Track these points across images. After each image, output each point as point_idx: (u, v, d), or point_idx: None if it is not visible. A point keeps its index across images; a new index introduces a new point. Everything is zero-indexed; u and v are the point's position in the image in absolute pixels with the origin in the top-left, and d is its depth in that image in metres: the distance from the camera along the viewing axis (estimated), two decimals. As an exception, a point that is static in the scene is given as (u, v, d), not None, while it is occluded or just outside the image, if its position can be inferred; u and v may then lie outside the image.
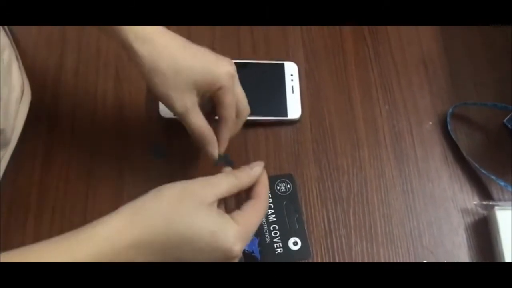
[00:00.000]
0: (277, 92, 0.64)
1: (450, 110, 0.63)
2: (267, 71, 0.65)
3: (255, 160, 0.60)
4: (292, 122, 0.63)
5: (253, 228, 0.45)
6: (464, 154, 0.61)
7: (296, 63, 0.66)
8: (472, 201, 0.60)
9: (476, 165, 0.60)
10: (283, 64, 0.66)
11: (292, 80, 0.65)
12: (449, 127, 0.63)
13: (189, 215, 0.41)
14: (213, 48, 0.58)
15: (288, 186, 0.60)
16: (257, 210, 0.46)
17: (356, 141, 0.63)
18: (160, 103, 0.62)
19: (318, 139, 0.63)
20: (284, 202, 0.59)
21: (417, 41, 0.69)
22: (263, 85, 0.65)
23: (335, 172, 0.61)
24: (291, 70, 0.66)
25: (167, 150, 0.61)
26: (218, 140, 0.52)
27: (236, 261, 0.43)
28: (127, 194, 0.59)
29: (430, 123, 0.64)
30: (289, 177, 0.61)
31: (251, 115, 0.60)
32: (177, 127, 0.59)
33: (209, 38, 0.67)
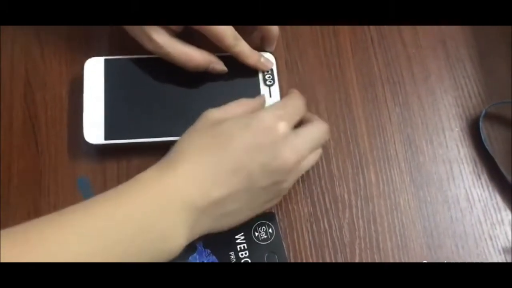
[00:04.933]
0: (247, 96, 0.46)
1: (484, 112, 0.47)
2: (235, 68, 0.47)
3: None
4: None
5: (290, 105, 0.41)
6: (504, 172, 0.45)
7: (273, 54, 0.48)
8: (516, 237, 0.45)
9: (522, 189, 0.45)
10: None
11: (269, 77, 0.47)
12: (482, 135, 0.47)
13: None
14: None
15: (270, 230, 0.44)
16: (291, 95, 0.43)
17: (358, 160, 0.47)
18: (84, 124, 0.44)
19: (307, 158, 0.47)
20: (266, 254, 0.44)
21: (432, 13, 0.52)
22: (231, 89, 0.47)
23: (332, 206, 0.45)
24: None
25: (94, 187, 0.44)
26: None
27: (284, 128, 0.39)
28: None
29: (457, 129, 0.48)
30: (271, 217, 0.45)
31: None
32: (110, 156, 0.45)
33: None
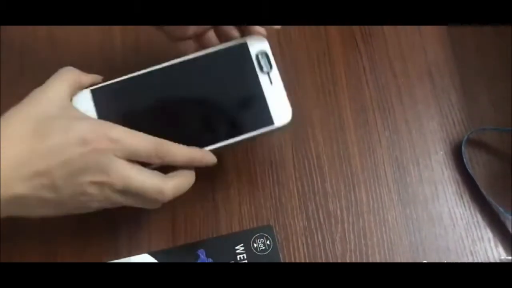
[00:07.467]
0: (246, 89, 0.43)
1: (466, 137, 0.51)
2: (225, 60, 0.44)
3: (226, 217, 0.48)
4: (282, 129, 0.43)
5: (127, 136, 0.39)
6: (484, 193, 0.49)
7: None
8: (495, 252, 0.48)
9: (500, 208, 0.48)
10: (245, 44, 0.44)
11: (265, 63, 0.43)
12: (464, 159, 0.50)
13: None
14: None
15: (268, 242, 0.48)
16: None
17: (351, 178, 0.51)
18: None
19: (303, 176, 0.50)
20: (263, 265, 0.47)
21: (419, 45, 0.56)
22: (223, 86, 0.43)
23: (326, 221, 0.49)
24: (259, 47, 0.44)
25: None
26: None
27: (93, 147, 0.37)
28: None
29: (441, 152, 0.52)
30: (269, 230, 0.48)
31: (216, 142, 0.43)
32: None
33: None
